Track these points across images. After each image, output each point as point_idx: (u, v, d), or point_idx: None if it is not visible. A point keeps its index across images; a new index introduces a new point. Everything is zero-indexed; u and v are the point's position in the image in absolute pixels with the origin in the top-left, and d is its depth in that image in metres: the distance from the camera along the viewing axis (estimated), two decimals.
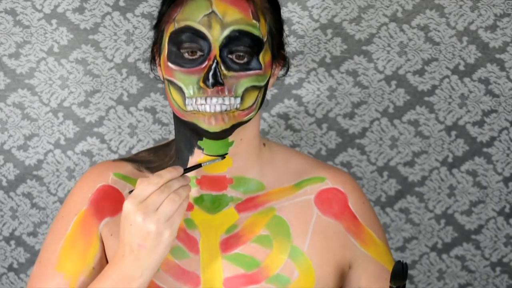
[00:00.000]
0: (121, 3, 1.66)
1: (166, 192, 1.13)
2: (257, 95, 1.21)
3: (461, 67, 1.69)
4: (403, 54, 1.68)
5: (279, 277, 1.23)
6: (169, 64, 1.20)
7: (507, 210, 1.74)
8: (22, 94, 1.68)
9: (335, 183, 1.30)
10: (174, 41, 1.19)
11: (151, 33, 1.62)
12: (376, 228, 1.31)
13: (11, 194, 1.71)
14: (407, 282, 1.74)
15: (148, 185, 1.13)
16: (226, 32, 1.17)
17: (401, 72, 1.69)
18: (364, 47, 1.68)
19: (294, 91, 1.69)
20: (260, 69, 1.20)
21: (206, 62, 1.17)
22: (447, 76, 1.69)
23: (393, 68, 1.69)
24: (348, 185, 1.31)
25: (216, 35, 1.17)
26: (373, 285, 1.26)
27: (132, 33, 1.67)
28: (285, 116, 1.70)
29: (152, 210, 1.12)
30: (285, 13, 1.66)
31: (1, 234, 1.72)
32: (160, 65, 1.24)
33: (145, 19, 1.66)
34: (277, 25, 1.25)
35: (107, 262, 1.26)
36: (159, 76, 1.28)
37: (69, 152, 1.70)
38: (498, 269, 1.76)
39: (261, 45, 1.20)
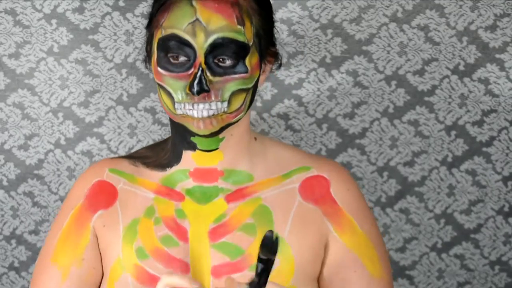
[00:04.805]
0: (121, 3, 1.66)
1: None
2: (245, 97, 1.22)
3: (461, 67, 1.69)
4: (403, 54, 1.68)
5: None
6: (159, 69, 1.22)
7: (506, 209, 1.74)
8: (22, 94, 1.68)
9: (321, 171, 1.31)
10: (161, 48, 1.21)
11: None
12: (361, 217, 1.30)
13: (12, 193, 1.71)
14: (407, 282, 1.75)
15: None
16: (210, 40, 1.18)
17: (401, 72, 1.69)
18: (364, 47, 1.68)
19: (294, 91, 1.69)
20: (246, 72, 1.21)
21: (192, 69, 1.19)
22: (447, 76, 1.69)
23: (393, 68, 1.69)
24: (334, 172, 1.31)
25: (200, 43, 1.18)
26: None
27: (132, 33, 1.67)
28: (285, 116, 1.70)
29: None
30: (285, 13, 1.66)
31: (1, 234, 1.73)
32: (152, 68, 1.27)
33: (145, 19, 1.64)
34: (265, 26, 1.25)
35: (100, 254, 1.30)
36: None
37: (69, 152, 1.70)
38: (497, 267, 1.76)
39: (246, 49, 1.20)
